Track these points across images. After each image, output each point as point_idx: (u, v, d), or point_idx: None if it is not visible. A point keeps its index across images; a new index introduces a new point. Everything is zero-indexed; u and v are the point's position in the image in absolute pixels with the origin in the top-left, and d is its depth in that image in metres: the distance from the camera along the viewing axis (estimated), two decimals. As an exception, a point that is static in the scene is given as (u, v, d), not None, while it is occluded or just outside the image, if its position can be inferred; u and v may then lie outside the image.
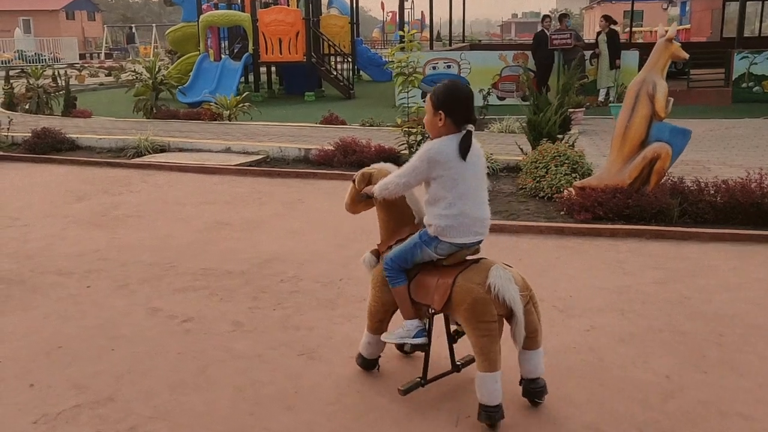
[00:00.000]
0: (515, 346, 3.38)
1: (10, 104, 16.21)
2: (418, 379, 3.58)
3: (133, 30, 47.75)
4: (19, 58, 32.77)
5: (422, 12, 63.05)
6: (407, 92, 9.59)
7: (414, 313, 3.56)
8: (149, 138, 10.58)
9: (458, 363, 3.72)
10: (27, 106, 15.82)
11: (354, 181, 3.74)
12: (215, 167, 9.45)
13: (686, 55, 6.66)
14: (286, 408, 3.57)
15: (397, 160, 9.28)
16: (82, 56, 41.53)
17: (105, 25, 52.39)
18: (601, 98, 16.10)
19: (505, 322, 3.33)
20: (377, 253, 3.71)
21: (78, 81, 24.89)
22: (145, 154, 10.35)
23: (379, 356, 3.85)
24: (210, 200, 7.92)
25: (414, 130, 9.20)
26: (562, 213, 6.95)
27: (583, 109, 12.85)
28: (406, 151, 9.33)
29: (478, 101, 12.00)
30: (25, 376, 3.91)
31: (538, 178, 7.67)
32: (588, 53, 16.25)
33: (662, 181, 6.71)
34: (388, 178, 3.49)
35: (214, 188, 8.54)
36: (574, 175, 7.53)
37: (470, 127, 3.35)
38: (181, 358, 4.12)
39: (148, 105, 13.93)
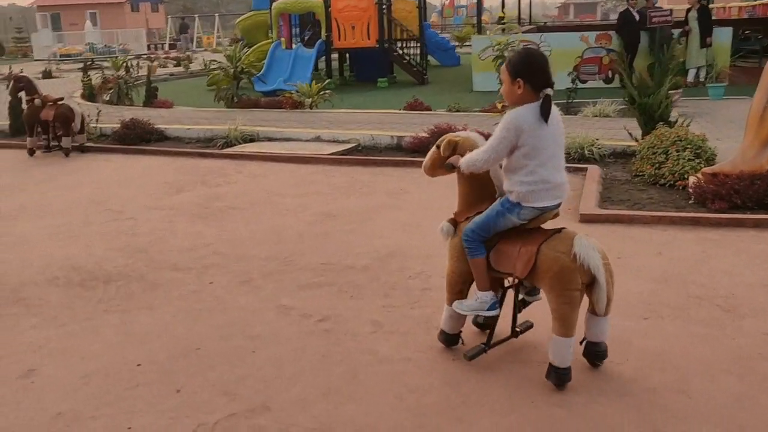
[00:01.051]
0: (596, 311, 3.45)
1: (90, 95, 16.32)
2: (482, 345, 3.71)
3: (185, 20, 48.11)
4: (90, 51, 33.29)
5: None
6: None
7: (489, 285, 3.61)
8: (239, 128, 10.42)
9: (517, 330, 3.81)
10: (107, 98, 15.91)
11: (438, 147, 3.74)
12: (309, 156, 9.24)
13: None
14: (457, 420, 3.29)
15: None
16: (147, 47, 41.99)
17: (169, 17, 52.93)
18: (690, 79, 15.39)
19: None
20: (455, 222, 3.73)
21: (151, 71, 25.03)
22: (234, 144, 10.20)
23: (461, 331, 3.88)
24: (311, 191, 7.70)
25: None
26: (691, 202, 6.50)
27: (680, 90, 12.22)
28: (506, 138, 8.96)
29: (565, 84, 11.54)
30: (168, 381, 3.73)
31: (657, 165, 7.22)
32: (676, 31, 15.51)
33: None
34: (475, 154, 3.48)
35: (312, 178, 8.32)
36: (698, 160, 7.06)
37: (549, 91, 3.36)
38: (326, 362, 3.88)
39: (229, 94, 13.79)
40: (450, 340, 3.87)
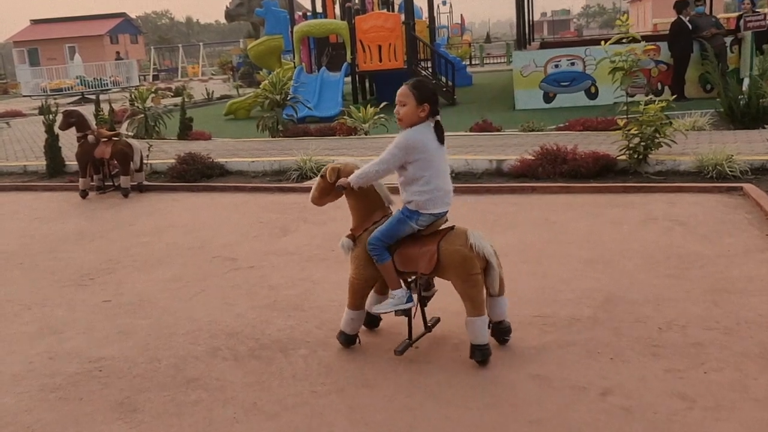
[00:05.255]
0: (490, 292, 3.92)
1: (112, 129, 15.28)
2: (407, 341, 4.12)
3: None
4: (81, 84, 32.13)
5: (461, 15, 61.99)
6: (623, 88, 8.46)
7: (399, 283, 4.03)
8: (313, 158, 9.52)
9: (429, 324, 4.26)
10: (132, 132, 14.90)
11: (323, 175, 4.15)
12: (407, 186, 8.34)
13: None
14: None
15: (613, 166, 8.16)
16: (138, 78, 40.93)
17: (152, 47, 51.90)
18: (745, 87, 14.78)
19: None
20: (352, 237, 4.12)
21: (154, 103, 24.06)
22: (312, 176, 9.30)
23: (358, 333, 4.21)
24: (439, 226, 6.81)
25: (637, 132, 8.03)
26: None
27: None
28: (625, 156, 8.19)
29: (611, 99, 10.78)
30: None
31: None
32: (728, 39, 14.96)
33: None
34: (367, 167, 3.93)
35: (427, 211, 7.43)
36: None
37: (438, 117, 3.92)
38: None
39: (272, 123, 12.88)
40: (349, 340, 4.22)
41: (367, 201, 4.09)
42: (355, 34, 17.73)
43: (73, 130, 9.46)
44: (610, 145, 8.86)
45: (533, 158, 8.48)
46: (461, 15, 61.85)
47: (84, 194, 9.38)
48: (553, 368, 3.85)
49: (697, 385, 3.54)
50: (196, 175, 9.83)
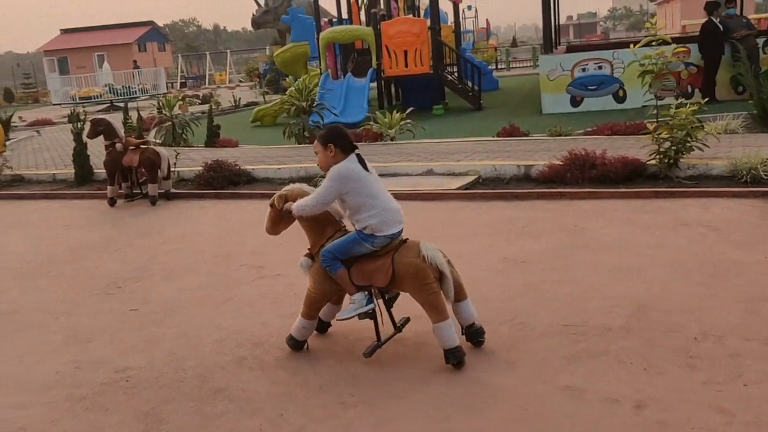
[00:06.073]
0: (447, 300, 4.00)
1: (140, 137, 15.39)
2: (377, 343, 4.22)
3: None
4: (110, 92, 32.50)
5: (487, 19, 61.81)
6: (652, 92, 8.32)
7: (356, 289, 4.14)
8: (340, 164, 9.46)
9: (399, 324, 4.35)
10: (159, 139, 15.00)
11: (272, 204, 4.31)
12: (434, 193, 8.31)
13: None
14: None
15: (642, 171, 8.02)
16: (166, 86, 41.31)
17: (179, 55, 52.38)
18: (778, 89, 14.51)
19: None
20: (311, 256, 4.27)
21: (181, 110, 24.25)
22: (338, 183, 9.24)
23: (306, 339, 4.38)
24: (466, 232, 6.75)
25: (667, 136, 7.89)
26: None
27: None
28: (655, 161, 8.05)
29: (639, 102, 10.52)
30: None
31: None
32: (760, 40, 14.68)
33: None
34: (304, 201, 4.12)
35: (453, 217, 7.38)
36: None
37: (357, 150, 4.11)
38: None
39: (299, 130, 12.88)
40: (298, 345, 4.38)
41: (318, 220, 4.22)
42: (381, 40, 17.70)
43: (101, 138, 9.53)
44: (639, 149, 8.72)
45: (561, 163, 8.36)
46: (486, 19, 61.69)
47: (112, 202, 9.44)
48: (584, 379, 3.76)
49: (736, 398, 3.43)
50: (223, 182, 9.85)
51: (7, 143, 16.86)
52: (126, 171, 9.50)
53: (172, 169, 9.78)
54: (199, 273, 6.23)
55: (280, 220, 4.34)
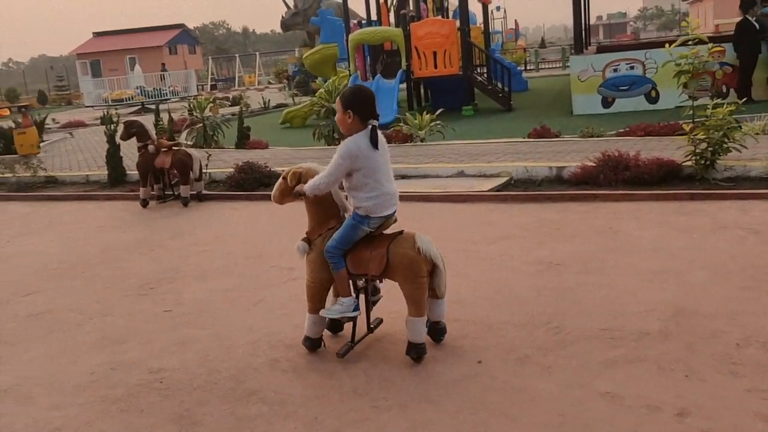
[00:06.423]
0: (437, 294, 4.17)
1: (171, 139, 15.52)
2: (350, 343, 4.36)
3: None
4: (141, 94, 32.88)
5: (515, 20, 61.43)
6: (689, 93, 8.18)
7: (350, 292, 4.24)
8: (369, 166, 9.44)
9: (372, 326, 4.49)
10: (190, 141, 15.12)
11: (285, 178, 4.33)
12: (465, 194, 8.25)
13: None
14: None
15: (678, 172, 7.88)
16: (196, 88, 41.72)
17: (209, 57, 52.81)
18: (816, 89, 14.23)
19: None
20: (308, 241, 4.30)
21: (212, 112, 24.44)
22: (368, 184, 9.21)
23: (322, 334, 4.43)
24: (500, 234, 6.68)
25: (704, 136, 7.74)
26: None
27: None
28: (691, 162, 7.91)
29: (673, 102, 10.25)
30: None
31: None
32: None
33: None
34: (317, 179, 4.11)
35: (488, 219, 7.31)
36: None
37: (374, 122, 4.05)
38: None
39: (328, 131, 12.89)
40: (314, 344, 4.40)
41: (324, 207, 4.27)
42: (410, 41, 17.68)
43: (134, 140, 9.61)
44: (673, 150, 8.59)
45: (594, 165, 8.25)
46: (515, 20, 61.33)
47: (144, 203, 9.51)
48: (623, 385, 3.68)
49: (781, 406, 3.34)
50: (254, 183, 9.88)
51: (42, 145, 17.11)
52: (158, 173, 9.57)
53: (203, 170, 9.83)
54: (230, 274, 6.25)
55: (289, 193, 4.36)
